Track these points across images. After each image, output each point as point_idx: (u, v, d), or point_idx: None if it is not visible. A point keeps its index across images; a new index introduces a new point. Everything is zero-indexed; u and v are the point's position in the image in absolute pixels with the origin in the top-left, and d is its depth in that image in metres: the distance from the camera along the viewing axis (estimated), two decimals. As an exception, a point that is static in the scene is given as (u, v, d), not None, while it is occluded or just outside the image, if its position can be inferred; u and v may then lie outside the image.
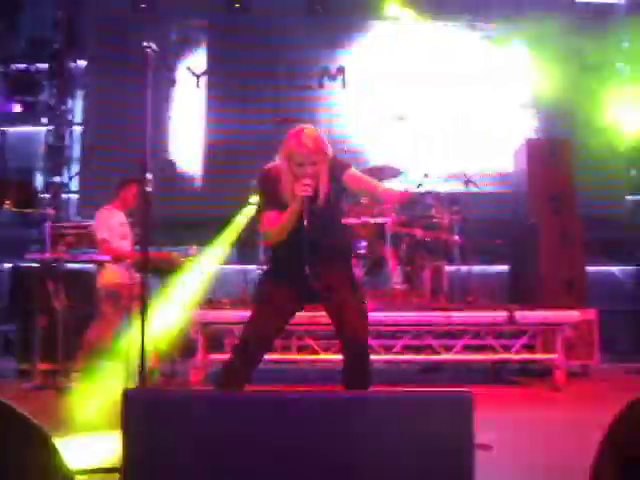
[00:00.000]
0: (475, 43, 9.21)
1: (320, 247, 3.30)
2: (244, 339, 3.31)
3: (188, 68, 9.46)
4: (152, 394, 2.16)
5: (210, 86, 9.47)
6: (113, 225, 5.74)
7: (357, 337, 3.23)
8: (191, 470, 1.91)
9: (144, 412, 1.99)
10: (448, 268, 6.56)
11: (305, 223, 3.16)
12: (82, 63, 9.95)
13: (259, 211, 3.34)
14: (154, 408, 2.00)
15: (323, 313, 3.40)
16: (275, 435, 1.89)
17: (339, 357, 3.40)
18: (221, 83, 9.41)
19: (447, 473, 1.84)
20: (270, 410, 1.89)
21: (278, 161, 3.28)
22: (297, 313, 3.42)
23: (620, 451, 2.22)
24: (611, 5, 9.69)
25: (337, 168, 3.24)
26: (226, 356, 5.71)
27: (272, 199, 3.25)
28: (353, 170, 3.28)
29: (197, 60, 9.54)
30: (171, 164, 9.24)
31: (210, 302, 6.07)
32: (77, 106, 9.95)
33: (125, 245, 5.77)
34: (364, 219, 6.01)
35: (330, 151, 3.21)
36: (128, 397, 1.96)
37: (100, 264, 5.72)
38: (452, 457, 1.84)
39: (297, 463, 1.88)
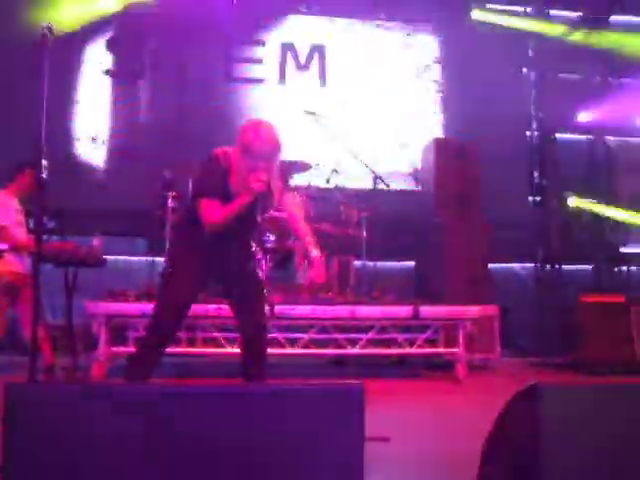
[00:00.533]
0: (388, 40, 9.33)
1: (244, 242, 3.45)
2: (157, 314, 3.31)
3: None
4: (37, 388, 2.08)
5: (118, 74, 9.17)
6: (9, 212, 5.52)
7: (256, 319, 3.36)
8: (77, 470, 1.85)
9: (28, 407, 1.91)
10: (355, 263, 6.63)
11: (255, 216, 3.33)
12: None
13: (197, 196, 3.26)
14: (39, 403, 1.93)
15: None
16: (168, 432, 1.85)
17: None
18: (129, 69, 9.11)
19: (336, 461, 1.84)
20: (161, 403, 1.85)
21: (230, 150, 3.27)
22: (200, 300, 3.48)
23: (507, 439, 2.29)
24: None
25: (283, 181, 3.46)
26: (129, 349, 5.64)
27: (216, 187, 3.21)
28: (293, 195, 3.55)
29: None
30: (74, 152, 8.92)
31: (114, 294, 5.91)
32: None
33: (20, 233, 5.56)
34: (273, 213, 5.98)
35: (281, 147, 3.24)
36: (11, 391, 1.88)
37: (-6, 252, 5.47)
38: (341, 448, 1.85)
39: (191, 458, 1.85)
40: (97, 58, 8.93)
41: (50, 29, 3.09)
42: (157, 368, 3.27)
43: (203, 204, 3.22)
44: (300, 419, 1.86)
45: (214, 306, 5.36)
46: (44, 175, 2.94)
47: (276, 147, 3.20)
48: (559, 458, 1.92)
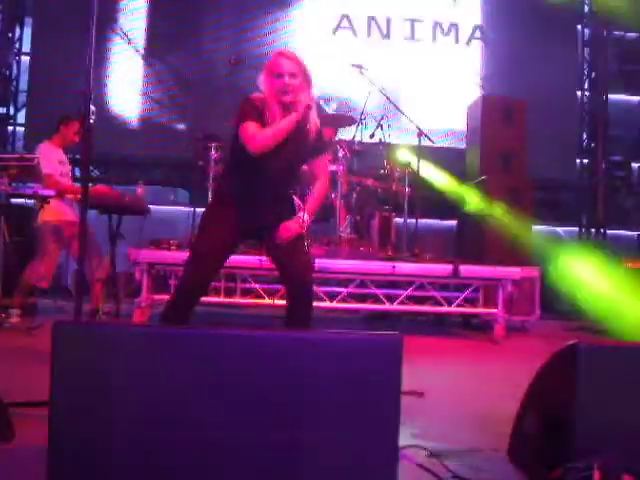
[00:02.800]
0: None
1: (281, 195, 3.37)
2: (188, 264, 3.31)
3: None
4: (83, 328, 2.13)
5: (152, 20, 9.16)
6: (53, 162, 5.64)
7: (304, 281, 3.29)
8: (124, 405, 1.90)
9: (74, 346, 1.95)
10: (397, 219, 6.60)
11: (291, 165, 3.24)
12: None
13: (239, 124, 3.18)
14: (85, 342, 1.97)
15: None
16: (210, 371, 1.89)
17: (283, 302, 3.43)
18: (165, 15, 9.09)
19: (374, 412, 1.86)
20: (207, 346, 1.88)
21: (262, 95, 3.23)
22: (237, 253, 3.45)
23: (541, 401, 2.29)
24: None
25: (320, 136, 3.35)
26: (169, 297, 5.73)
27: (257, 116, 3.17)
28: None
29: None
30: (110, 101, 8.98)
31: (156, 242, 5.99)
32: (26, 35, 9.54)
33: (65, 183, 5.69)
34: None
35: (309, 74, 3.21)
36: (58, 330, 1.92)
37: (43, 199, 5.58)
38: (379, 397, 1.86)
39: (231, 399, 1.88)
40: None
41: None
42: (190, 316, 3.28)
43: (245, 126, 3.14)
44: (338, 367, 1.88)
45: (254, 257, 5.40)
46: (92, 121, 2.96)
47: (298, 61, 3.18)
48: (593, 414, 1.92)
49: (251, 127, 3.12)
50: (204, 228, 3.33)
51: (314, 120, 3.28)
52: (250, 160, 3.19)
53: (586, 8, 9.74)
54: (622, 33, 9.64)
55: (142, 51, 9.02)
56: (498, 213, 6.65)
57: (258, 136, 3.11)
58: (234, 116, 3.27)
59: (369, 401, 1.84)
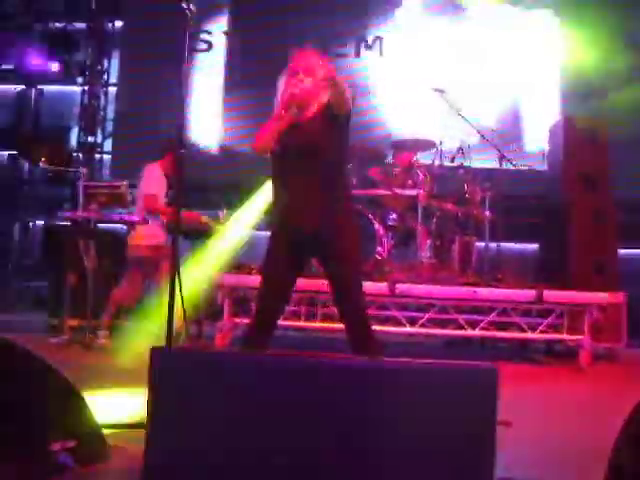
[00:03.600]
0: (509, 15, 9.04)
1: (312, 186, 3.15)
2: (258, 295, 3.36)
3: (225, 32, 9.38)
4: (180, 353, 2.19)
5: (233, 51, 9.36)
6: (159, 182, 5.81)
7: (356, 306, 3.22)
8: (216, 428, 1.94)
9: (171, 370, 2.01)
10: (478, 244, 6.52)
11: (315, 150, 3.09)
12: (119, 23, 9.94)
13: None
14: (181, 367, 2.03)
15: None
16: (300, 400, 1.91)
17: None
18: (247, 48, 9.28)
19: (469, 445, 1.84)
20: (299, 375, 1.90)
21: None
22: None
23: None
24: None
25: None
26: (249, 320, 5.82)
27: None
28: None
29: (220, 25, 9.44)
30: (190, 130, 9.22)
31: (238, 266, 6.10)
32: (113, 66, 9.95)
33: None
34: (395, 190, 5.97)
35: (326, 71, 3.15)
36: (156, 355, 1.98)
37: (131, 224, 5.78)
38: (475, 429, 1.84)
39: (319, 428, 1.89)
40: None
41: (190, 9, 3.17)
42: (269, 339, 3.27)
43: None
44: (432, 398, 1.87)
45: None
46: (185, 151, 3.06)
47: (312, 56, 3.20)
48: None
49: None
50: (267, 248, 3.33)
51: (319, 100, 3.19)
52: (274, 166, 3.26)
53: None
54: None
55: (222, 82, 9.27)
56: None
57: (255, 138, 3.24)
58: None
59: (464, 433, 1.82)
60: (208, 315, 6.20)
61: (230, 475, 1.93)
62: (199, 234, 5.83)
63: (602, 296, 5.61)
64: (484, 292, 5.62)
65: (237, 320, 5.78)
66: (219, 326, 5.79)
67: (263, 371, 1.97)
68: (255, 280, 5.69)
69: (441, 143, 6.49)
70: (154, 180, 5.78)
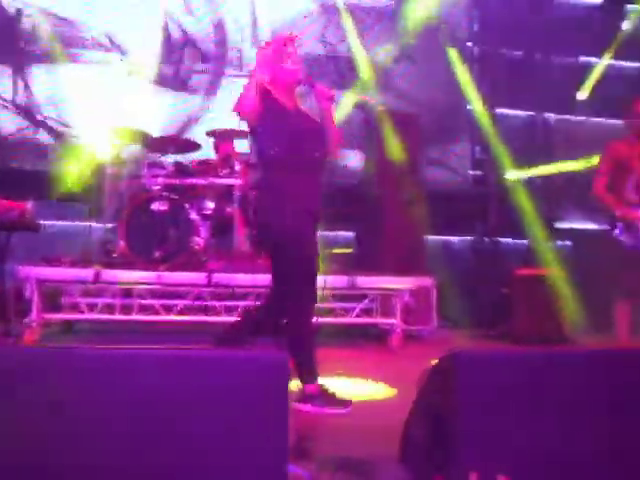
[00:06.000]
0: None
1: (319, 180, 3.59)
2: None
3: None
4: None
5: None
6: None
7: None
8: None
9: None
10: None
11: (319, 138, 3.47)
12: None
13: None
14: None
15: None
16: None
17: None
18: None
19: (261, 436, 1.86)
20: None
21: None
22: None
23: (429, 402, 2.35)
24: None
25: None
26: (64, 316, 5.57)
27: None
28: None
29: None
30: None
31: (48, 259, 5.80)
32: None
33: None
34: (211, 179, 5.93)
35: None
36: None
37: None
38: (266, 415, 1.86)
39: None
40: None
41: None
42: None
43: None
44: (224, 386, 1.87)
45: (152, 273, 5.35)
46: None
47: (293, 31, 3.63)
48: (475, 421, 1.98)
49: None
50: (297, 232, 3.50)
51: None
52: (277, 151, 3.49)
53: (475, 26, 10.13)
54: (509, 51, 10.09)
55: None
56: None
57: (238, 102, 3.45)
58: None
59: (257, 419, 1.84)
60: (15, 311, 5.83)
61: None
62: (14, 225, 5.46)
63: (410, 280, 5.92)
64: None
65: (46, 315, 5.49)
66: (27, 322, 5.45)
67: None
68: (67, 273, 5.46)
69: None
70: None
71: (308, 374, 3.52)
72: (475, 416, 2.01)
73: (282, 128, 3.39)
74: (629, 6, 10.21)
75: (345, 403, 3.56)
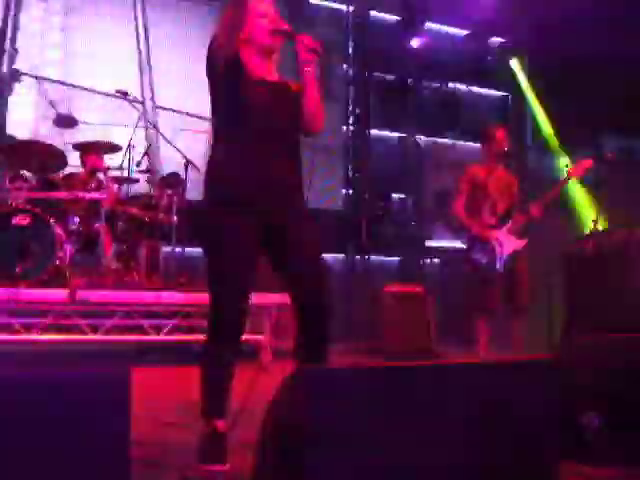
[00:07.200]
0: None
1: (285, 154, 2.86)
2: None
3: None
4: None
5: None
6: None
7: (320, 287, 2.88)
8: None
9: None
10: (165, 249, 6.53)
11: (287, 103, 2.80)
12: None
13: None
14: None
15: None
16: None
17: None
18: None
19: (99, 451, 1.82)
20: None
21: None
22: None
23: (278, 423, 2.37)
24: None
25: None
26: None
27: None
28: None
29: None
30: None
31: None
32: None
33: None
34: (77, 193, 5.76)
35: None
36: None
37: None
38: (105, 437, 1.83)
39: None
40: None
41: None
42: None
43: None
44: (65, 406, 1.83)
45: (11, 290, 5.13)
46: None
47: None
48: (320, 437, 1.99)
49: None
50: (216, 236, 2.89)
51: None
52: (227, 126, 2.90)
53: (350, 49, 10.40)
54: (382, 75, 10.43)
55: None
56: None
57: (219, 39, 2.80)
58: None
59: (96, 440, 1.80)
60: None
61: None
62: None
63: (276, 297, 5.95)
64: (168, 296, 5.66)
65: None
66: None
67: None
68: None
69: (130, 146, 6.41)
70: None
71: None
72: (320, 432, 2.03)
73: (235, 100, 2.73)
74: (493, 39, 10.81)
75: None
